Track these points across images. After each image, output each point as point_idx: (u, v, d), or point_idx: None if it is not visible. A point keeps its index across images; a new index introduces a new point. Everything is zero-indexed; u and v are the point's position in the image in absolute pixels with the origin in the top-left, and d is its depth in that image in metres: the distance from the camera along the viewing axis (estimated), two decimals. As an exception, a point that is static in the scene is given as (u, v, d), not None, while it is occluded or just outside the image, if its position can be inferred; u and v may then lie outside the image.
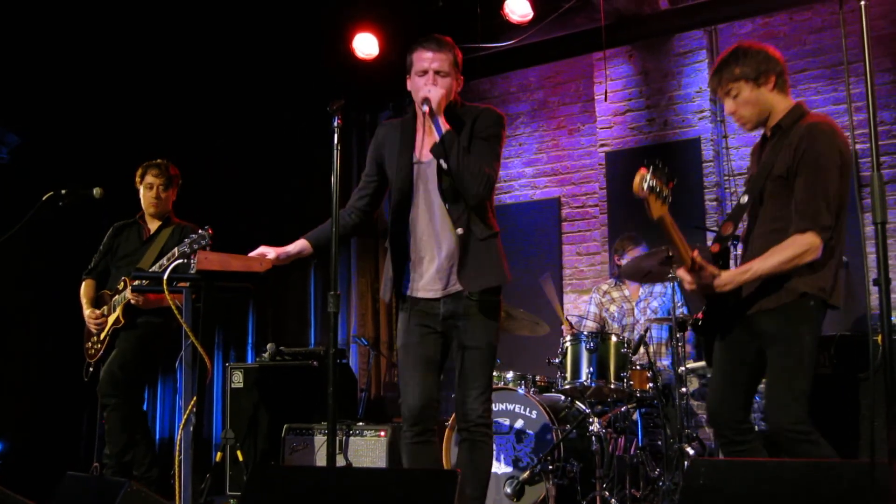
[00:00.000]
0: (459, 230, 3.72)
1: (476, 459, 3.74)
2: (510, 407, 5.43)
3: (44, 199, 5.06)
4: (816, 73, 7.11)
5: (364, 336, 8.41)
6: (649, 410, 5.66)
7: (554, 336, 6.35)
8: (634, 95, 7.87)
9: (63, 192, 5.07)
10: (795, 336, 3.51)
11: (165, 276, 4.03)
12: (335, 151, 3.41)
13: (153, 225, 5.72)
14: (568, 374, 5.41)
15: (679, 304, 5.75)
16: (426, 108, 3.65)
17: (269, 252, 3.91)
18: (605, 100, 7.86)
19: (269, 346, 6.69)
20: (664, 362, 6.20)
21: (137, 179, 5.72)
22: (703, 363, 5.91)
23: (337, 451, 5.38)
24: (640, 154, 7.75)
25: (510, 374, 5.77)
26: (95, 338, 5.58)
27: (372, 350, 8.22)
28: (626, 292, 6.57)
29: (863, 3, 2.73)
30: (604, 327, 6.55)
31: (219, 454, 5.91)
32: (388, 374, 8.53)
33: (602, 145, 7.99)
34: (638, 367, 5.39)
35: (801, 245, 3.42)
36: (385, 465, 5.48)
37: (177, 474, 4.03)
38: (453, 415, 4.71)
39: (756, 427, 3.89)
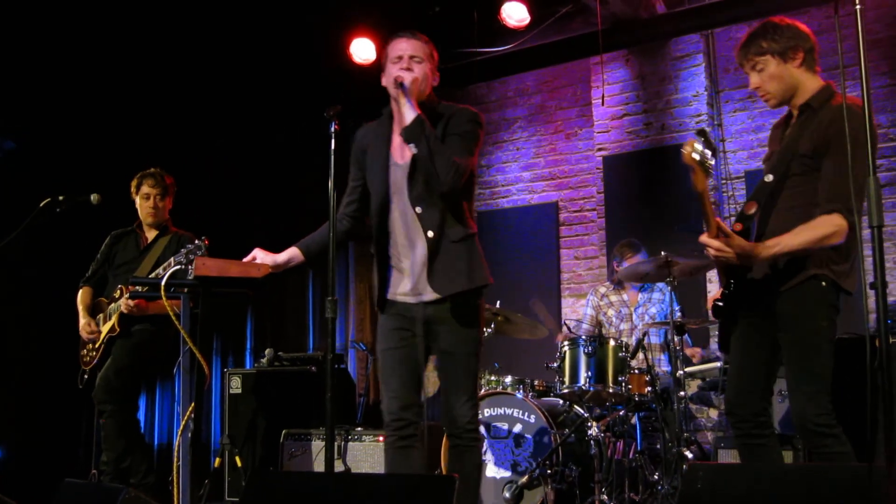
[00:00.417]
0: (430, 233, 3.64)
1: (465, 465, 3.69)
2: (508, 411, 5.42)
3: (41, 205, 5.06)
4: (813, 77, 7.11)
5: (362, 341, 8.41)
6: (648, 414, 5.66)
7: (552, 340, 6.36)
8: (632, 99, 7.88)
9: (60, 198, 5.07)
10: (810, 320, 3.46)
11: (163, 283, 4.03)
12: (332, 157, 3.41)
13: (150, 234, 5.73)
14: (566, 378, 5.41)
15: (677, 309, 5.75)
16: (396, 86, 3.57)
17: (264, 256, 3.90)
18: (603, 104, 7.87)
19: (267, 351, 6.68)
20: (663, 368, 6.20)
21: (133, 189, 5.73)
22: (701, 367, 5.92)
23: (335, 456, 5.37)
24: (637, 158, 7.77)
25: (508, 379, 5.77)
26: (91, 345, 5.58)
27: (370, 355, 8.21)
28: (625, 297, 6.57)
29: (858, 6, 2.73)
30: (600, 330, 6.55)
31: (217, 460, 5.90)
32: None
33: (599, 149, 8.00)
34: (636, 371, 5.39)
35: (830, 226, 3.35)
36: (384, 471, 5.47)
37: (175, 480, 4.02)
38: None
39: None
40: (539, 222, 8.42)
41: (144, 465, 5.48)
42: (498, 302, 5.91)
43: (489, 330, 5.84)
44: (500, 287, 7.95)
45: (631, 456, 5.43)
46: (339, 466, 5.46)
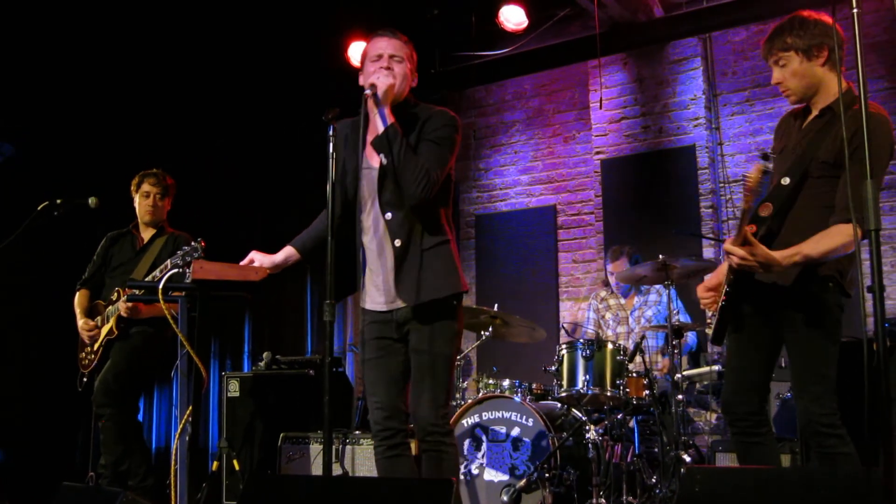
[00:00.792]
0: (397, 242, 3.57)
1: (441, 470, 3.58)
2: (506, 415, 5.42)
3: (39, 208, 5.05)
4: (811, 80, 7.12)
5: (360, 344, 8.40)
6: (646, 418, 5.66)
7: (550, 343, 6.36)
8: (629, 103, 7.89)
9: (58, 201, 5.07)
10: (819, 322, 3.47)
11: (161, 286, 4.03)
12: (330, 160, 3.41)
13: (146, 234, 5.72)
14: (564, 382, 5.41)
15: (675, 312, 5.75)
16: (369, 93, 3.48)
17: (261, 258, 3.90)
18: (601, 107, 7.88)
19: (265, 354, 6.68)
20: (660, 369, 6.20)
21: (133, 188, 5.73)
22: (698, 370, 5.92)
23: (333, 459, 5.36)
24: (635, 161, 7.78)
25: (506, 382, 5.76)
26: (89, 348, 5.57)
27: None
28: (622, 301, 6.58)
29: (855, 10, 2.73)
30: (598, 334, 6.56)
31: (215, 463, 5.89)
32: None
33: (597, 153, 8.01)
34: (634, 375, 5.39)
35: (846, 236, 3.33)
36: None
37: (173, 483, 4.02)
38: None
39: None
40: (537, 226, 8.43)
41: (143, 468, 5.47)
42: (496, 305, 5.91)
43: (486, 333, 5.84)
44: (497, 290, 8.01)
45: (629, 459, 5.42)
46: (336, 470, 5.45)
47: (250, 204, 8.47)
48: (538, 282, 8.27)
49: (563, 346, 5.50)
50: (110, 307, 5.49)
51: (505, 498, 5.19)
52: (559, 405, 5.61)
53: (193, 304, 4.20)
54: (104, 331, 5.49)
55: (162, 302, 4.06)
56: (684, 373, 5.38)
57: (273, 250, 3.93)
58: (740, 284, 3.59)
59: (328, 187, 3.40)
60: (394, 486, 3.16)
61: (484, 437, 5.43)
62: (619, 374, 5.31)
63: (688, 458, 4.98)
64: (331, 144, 3.42)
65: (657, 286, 6.37)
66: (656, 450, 5.40)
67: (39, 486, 6.34)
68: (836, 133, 3.44)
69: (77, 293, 5.70)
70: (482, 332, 5.90)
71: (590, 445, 5.21)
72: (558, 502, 5.12)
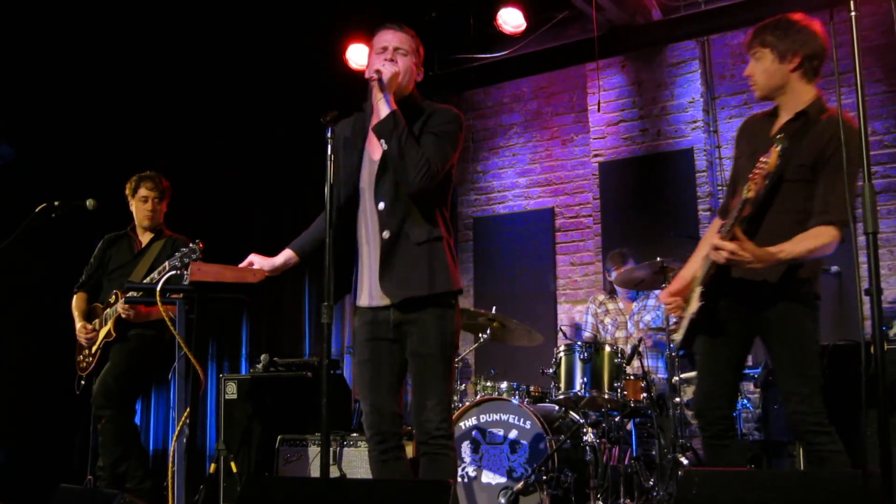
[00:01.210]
0: (385, 233, 3.53)
1: (436, 474, 3.53)
2: (504, 417, 5.42)
3: (37, 210, 5.05)
4: (808, 84, 7.13)
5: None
6: (643, 420, 5.66)
7: (548, 346, 6.36)
8: (627, 106, 7.89)
9: (56, 203, 5.07)
10: (801, 324, 3.55)
11: (158, 288, 4.03)
12: (329, 162, 3.41)
13: (145, 237, 5.72)
14: (562, 385, 5.41)
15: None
16: (375, 76, 3.48)
17: (260, 261, 3.89)
18: (599, 110, 7.88)
19: (262, 356, 6.68)
20: (659, 374, 6.20)
21: (129, 192, 5.71)
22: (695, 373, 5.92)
23: (331, 461, 5.37)
24: (633, 164, 7.78)
25: (504, 385, 5.76)
26: (87, 351, 5.56)
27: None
28: (620, 305, 6.58)
29: (853, 14, 2.74)
30: (596, 337, 6.56)
31: (212, 465, 5.89)
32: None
33: (595, 155, 8.01)
34: (632, 378, 5.39)
35: (827, 237, 3.43)
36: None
37: (170, 486, 4.02)
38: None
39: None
40: (535, 228, 8.43)
41: (140, 470, 5.47)
42: (494, 308, 5.91)
43: (484, 336, 5.84)
44: (495, 293, 8.01)
45: (626, 462, 5.42)
46: (334, 472, 5.45)
47: (249, 206, 8.47)
48: (536, 284, 8.27)
49: (561, 349, 5.50)
50: (108, 310, 5.49)
51: (502, 500, 5.20)
52: (557, 408, 5.61)
53: (191, 307, 4.21)
54: (102, 333, 5.49)
55: (160, 304, 4.06)
56: (682, 375, 5.38)
57: (271, 252, 3.93)
58: (715, 288, 3.64)
59: (326, 189, 3.40)
60: (391, 488, 3.16)
61: (481, 440, 5.43)
62: (617, 376, 5.31)
63: (685, 461, 4.98)
64: (329, 146, 3.42)
65: (656, 291, 6.37)
66: (654, 452, 5.40)
67: (37, 488, 6.33)
68: (813, 137, 3.52)
69: (74, 296, 5.69)
70: (480, 335, 5.90)
71: (587, 448, 5.21)
72: (556, 505, 5.12)
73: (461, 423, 5.47)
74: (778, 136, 3.43)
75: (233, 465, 5.86)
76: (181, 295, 4.23)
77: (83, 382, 5.59)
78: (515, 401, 5.44)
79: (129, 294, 5.09)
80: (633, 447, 5.55)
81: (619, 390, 5.29)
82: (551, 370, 5.51)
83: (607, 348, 5.38)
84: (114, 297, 5.45)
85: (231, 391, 6.44)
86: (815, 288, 3.60)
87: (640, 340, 5.69)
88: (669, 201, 7.52)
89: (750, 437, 5.46)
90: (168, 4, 6.84)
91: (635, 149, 7.80)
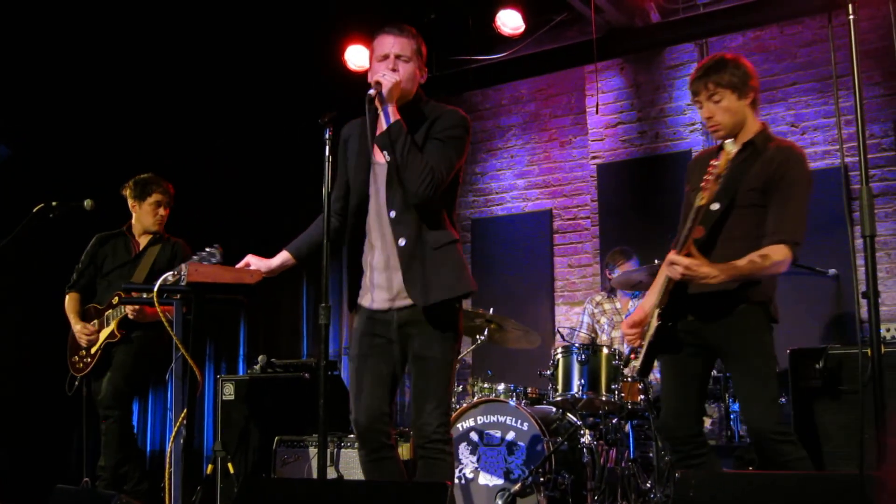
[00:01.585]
0: (401, 241, 3.51)
1: (433, 478, 3.50)
2: (501, 419, 5.42)
3: (34, 211, 5.04)
4: (807, 87, 7.14)
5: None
6: (641, 422, 5.66)
7: (545, 348, 6.36)
8: (626, 108, 7.90)
9: (53, 204, 5.06)
10: (758, 342, 3.63)
11: (156, 289, 4.03)
12: (326, 163, 3.40)
13: (142, 240, 5.69)
14: (559, 386, 5.41)
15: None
16: (373, 92, 3.43)
17: (257, 262, 3.89)
18: (597, 112, 7.88)
19: (260, 358, 6.67)
20: (656, 374, 6.20)
21: (135, 195, 5.64)
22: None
23: (328, 463, 5.36)
24: (631, 166, 7.78)
25: (501, 386, 5.76)
26: (84, 352, 5.54)
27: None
28: (618, 305, 6.58)
29: (851, 17, 2.75)
30: (593, 339, 6.56)
31: (210, 467, 5.89)
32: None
33: (593, 157, 8.01)
34: (629, 380, 5.39)
35: (779, 255, 3.52)
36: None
37: (167, 487, 4.02)
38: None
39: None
40: (533, 230, 8.43)
41: (138, 471, 5.47)
42: (491, 309, 5.91)
43: (482, 337, 5.84)
44: (493, 294, 8.00)
45: (624, 464, 5.42)
46: (331, 473, 5.45)
47: (246, 207, 8.46)
48: (534, 286, 8.27)
49: (559, 351, 5.50)
50: (110, 311, 5.47)
51: (500, 502, 5.19)
52: (554, 409, 5.61)
53: (189, 308, 4.21)
54: (104, 334, 5.47)
55: (157, 305, 4.06)
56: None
57: (269, 253, 3.93)
58: (673, 309, 3.71)
59: (324, 191, 3.40)
60: (389, 490, 3.16)
61: (479, 441, 5.43)
62: (615, 378, 5.31)
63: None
64: (327, 148, 3.42)
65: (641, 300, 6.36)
66: (651, 454, 5.40)
67: (33, 489, 6.32)
68: (762, 164, 3.63)
69: (66, 297, 5.65)
70: (477, 336, 5.89)
71: (584, 450, 5.21)
72: (553, 507, 5.12)
73: (458, 425, 5.47)
74: (727, 143, 3.56)
75: (230, 466, 5.85)
76: (178, 296, 4.23)
77: (77, 383, 5.58)
78: (513, 402, 5.44)
79: (128, 294, 5.09)
80: (631, 449, 5.54)
81: (616, 392, 5.29)
82: (549, 372, 5.51)
83: (605, 350, 5.38)
84: (116, 298, 5.43)
85: (228, 392, 6.43)
86: (770, 311, 3.68)
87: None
88: (667, 204, 7.51)
89: (747, 439, 5.46)
90: (167, 5, 6.84)
91: (633, 151, 7.81)
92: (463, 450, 5.43)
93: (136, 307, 5.28)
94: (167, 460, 4.07)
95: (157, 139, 7.61)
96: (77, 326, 5.53)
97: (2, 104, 6.69)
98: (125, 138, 7.49)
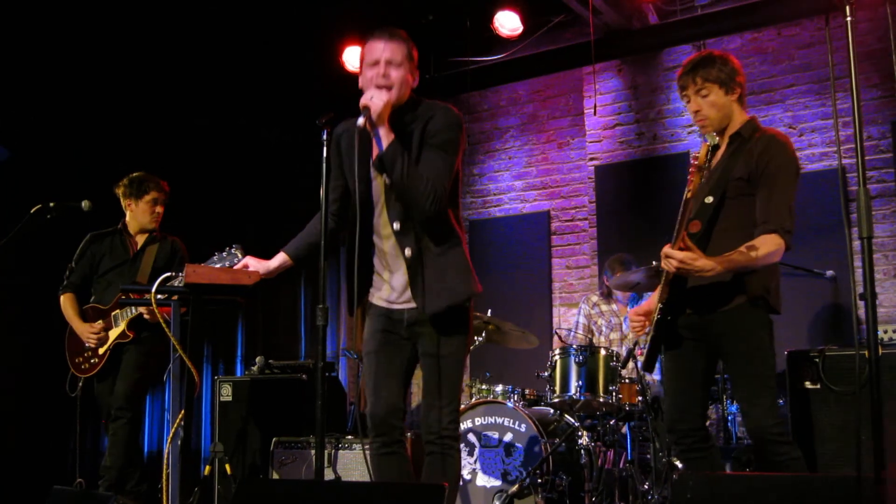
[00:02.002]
0: (407, 251, 3.53)
1: (446, 473, 3.56)
2: (499, 420, 5.42)
3: (32, 211, 5.04)
4: (804, 88, 7.15)
5: (353, 349, 8.39)
6: (638, 424, 5.66)
7: (543, 349, 6.36)
8: (624, 109, 7.90)
9: (51, 204, 5.05)
10: (755, 341, 3.64)
11: (154, 289, 4.03)
12: (324, 164, 3.41)
13: (139, 239, 5.68)
14: (557, 388, 5.41)
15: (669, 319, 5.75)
16: (361, 123, 3.38)
17: (255, 264, 3.89)
18: (595, 114, 7.89)
19: (258, 359, 6.67)
20: (654, 376, 6.20)
21: (130, 193, 5.63)
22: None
23: (326, 464, 5.36)
24: (629, 168, 7.79)
25: (499, 387, 5.77)
26: (90, 353, 5.51)
27: (361, 363, 8.19)
28: (615, 307, 6.58)
29: (849, 19, 2.75)
30: (591, 340, 6.55)
31: (207, 468, 5.88)
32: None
33: (591, 159, 8.01)
34: (627, 381, 5.39)
35: (771, 245, 3.53)
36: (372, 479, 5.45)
37: (164, 488, 4.02)
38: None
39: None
40: (531, 231, 8.44)
41: (138, 472, 5.46)
42: (489, 311, 5.91)
43: (480, 339, 5.84)
44: (491, 296, 7.99)
45: (621, 465, 5.42)
46: (329, 474, 5.45)
47: (244, 208, 8.46)
48: (531, 287, 8.27)
49: (556, 352, 5.50)
50: (118, 311, 5.45)
51: (497, 503, 5.19)
52: (552, 411, 5.61)
53: (187, 308, 4.21)
54: (114, 334, 5.46)
55: (155, 306, 4.06)
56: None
57: (266, 253, 3.93)
58: (674, 304, 3.73)
59: (322, 191, 3.40)
60: (386, 491, 3.16)
61: (476, 443, 5.43)
62: (612, 380, 5.31)
63: (680, 465, 4.97)
64: (325, 148, 3.42)
65: (649, 293, 6.37)
66: (649, 456, 5.40)
67: (31, 490, 6.32)
68: (746, 154, 3.68)
69: (62, 297, 5.61)
70: (475, 338, 5.90)
71: (582, 451, 5.21)
72: (550, 508, 5.12)
73: (456, 426, 5.47)
74: (710, 136, 3.66)
75: (227, 467, 5.85)
76: (176, 296, 4.23)
77: (80, 384, 5.56)
78: (511, 404, 5.44)
79: (125, 295, 5.07)
80: (628, 450, 5.55)
81: (614, 394, 5.29)
82: (546, 373, 5.51)
83: (602, 352, 5.38)
84: (125, 298, 5.40)
85: (226, 393, 6.43)
86: (771, 302, 3.68)
87: (635, 344, 5.69)
88: (665, 205, 7.50)
89: (745, 440, 5.46)
90: (165, 5, 6.83)
91: (631, 152, 7.81)
92: (461, 451, 5.43)
93: (153, 308, 5.26)
94: (165, 461, 4.08)
95: (155, 140, 7.60)
96: (82, 327, 5.49)
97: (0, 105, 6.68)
98: (123, 139, 7.48)
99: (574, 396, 5.31)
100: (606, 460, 5.40)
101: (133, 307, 5.35)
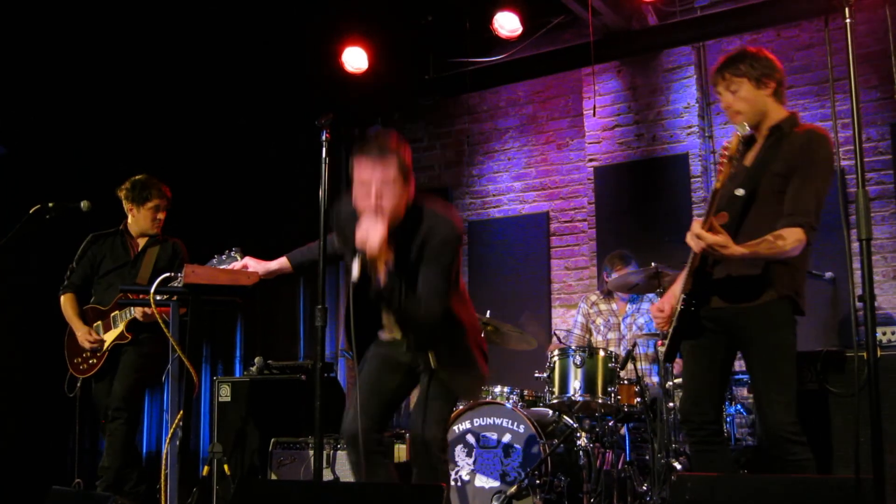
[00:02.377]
0: (431, 360, 3.64)
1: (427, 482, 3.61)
2: (498, 421, 5.42)
3: (31, 212, 5.03)
4: (804, 90, 7.15)
5: (352, 350, 8.38)
6: (637, 425, 5.66)
7: (542, 350, 6.36)
8: (623, 111, 7.90)
9: (50, 205, 5.05)
10: (781, 337, 3.64)
11: (153, 290, 4.03)
12: (323, 165, 3.41)
13: (140, 240, 5.68)
14: (555, 389, 5.41)
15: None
16: (356, 273, 3.39)
17: (255, 265, 3.90)
18: (594, 115, 7.89)
19: (256, 359, 6.67)
20: (652, 377, 6.20)
21: (133, 197, 5.61)
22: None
23: (324, 465, 5.36)
24: (628, 169, 7.78)
25: (498, 389, 5.77)
26: (87, 353, 5.51)
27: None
28: (614, 307, 6.58)
29: (848, 21, 2.76)
30: (590, 340, 6.55)
31: (206, 468, 5.88)
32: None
33: (591, 160, 8.01)
34: (625, 382, 5.39)
35: (792, 238, 3.51)
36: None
37: (163, 488, 4.01)
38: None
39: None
40: (530, 232, 8.43)
41: (136, 472, 5.46)
42: (488, 312, 5.91)
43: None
44: (490, 297, 8.00)
45: (620, 466, 5.42)
46: (327, 475, 5.45)
47: (243, 209, 8.46)
48: (530, 288, 8.27)
49: (555, 353, 5.50)
50: (117, 312, 5.45)
51: (496, 504, 5.19)
52: (550, 412, 5.61)
53: (186, 309, 4.21)
54: (112, 336, 5.45)
55: (154, 307, 4.06)
56: (676, 381, 5.38)
57: (266, 256, 3.94)
58: (698, 295, 3.71)
59: (321, 192, 3.40)
60: (384, 492, 3.16)
61: (475, 444, 5.43)
62: (611, 381, 5.32)
63: (679, 466, 4.98)
64: (324, 149, 3.42)
65: (650, 294, 6.37)
66: (647, 457, 5.40)
67: (30, 490, 6.32)
68: (787, 148, 3.65)
69: (62, 297, 5.61)
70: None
71: (581, 452, 5.21)
72: (549, 509, 5.12)
73: (455, 427, 5.47)
74: (739, 127, 3.59)
75: (226, 467, 5.85)
76: (175, 297, 4.23)
77: (79, 384, 5.56)
78: (509, 405, 5.44)
79: (124, 296, 5.07)
80: (627, 452, 5.55)
81: (612, 395, 5.29)
82: (545, 374, 5.52)
83: (601, 353, 5.38)
84: (125, 298, 5.40)
85: (225, 394, 6.43)
86: (799, 303, 3.68)
87: (633, 345, 5.69)
88: (664, 206, 7.53)
89: (744, 442, 5.46)
90: (164, 6, 6.83)
91: (630, 153, 7.81)
92: (459, 452, 5.43)
93: (149, 309, 5.26)
94: (163, 461, 4.07)
95: (154, 140, 7.60)
96: (81, 329, 5.49)
97: (-1, 105, 6.69)
98: (122, 139, 7.48)
99: (573, 397, 5.31)
100: (605, 461, 5.40)
101: (131, 309, 5.34)
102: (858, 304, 2.65)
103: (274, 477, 5.74)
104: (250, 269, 3.90)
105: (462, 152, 8.94)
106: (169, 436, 4.06)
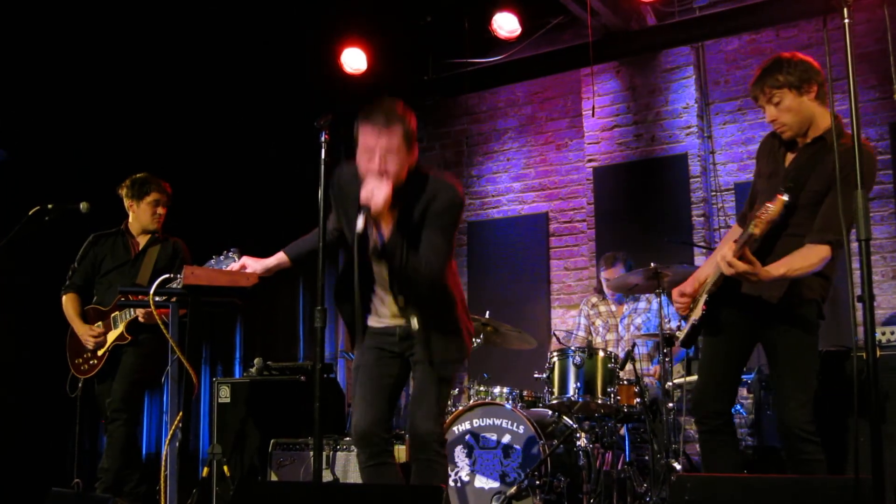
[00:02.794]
0: (414, 322, 3.60)
1: (426, 480, 3.58)
2: (497, 422, 5.42)
3: (30, 213, 5.03)
4: (802, 90, 7.15)
5: (351, 351, 8.38)
6: (636, 425, 5.66)
7: (541, 351, 6.36)
8: (622, 111, 7.91)
9: (49, 206, 5.05)
10: (806, 338, 3.67)
11: (152, 291, 4.03)
12: (322, 166, 3.41)
13: (141, 240, 5.67)
14: (555, 389, 5.41)
15: (667, 320, 5.76)
16: (360, 226, 3.37)
17: (253, 264, 3.90)
18: (593, 115, 7.89)
19: (256, 360, 6.67)
20: (652, 378, 6.20)
21: (132, 194, 5.62)
22: (691, 378, 5.92)
23: (324, 466, 5.36)
24: (627, 169, 7.79)
25: (497, 389, 5.77)
26: (89, 354, 5.51)
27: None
28: (612, 308, 6.58)
29: (846, 21, 2.76)
30: (590, 341, 6.56)
31: (205, 469, 5.87)
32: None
33: (590, 160, 8.01)
34: (625, 383, 5.39)
35: (819, 255, 3.52)
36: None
37: (162, 489, 4.01)
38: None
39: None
40: (529, 233, 8.43)
41: (137, 474, 5.45)
42: (487, 312, 5.91)
43: (478, 340, 5.84)
44: (489, 297, 8.01)
45: (619, 467, 5.43)
46: (327, 476, 5.45)
47: (242, 209, 8.45)
48: (530, 289, 8.27)
49: (555, 354, 5.50)
50: (117, 312, 5.45)
51: (495, 505, 5.19)
52: (550, 412, 5.61)
53: (186, 310, 4.21)
54: (112, 336, 5.45)
55: (153, 308, 4.06)
56: (675, 381, 5.39)
57: (265, 255, 3.93)
58: (724, 294, 3.72)
59: (320, 192, 3.40)
60: (384, 493, 3.16)
61: (475, 444, 5.43)
62: (610, 381, 5.32)
63: (678, 466, 4.98)
64: (323, 150, 3.42)
65: (646, 294, 6.38)
66: (647, 457, 5.40)
67: (29, 490, 6.31)
68: (827, 163, 3.55)
69: (64, 297, 5.61)
70: (473, 339, 5.89)
71: (580, 453, 5.21)
72: (549, 510, 5.12)
73: (454, 428, 5.47)
74: (785, 186, 3.51)
75: (226, 469, 5.84)
76: (174, 298, 4.23)
77: (80, 385, 5.56)
78: (509, 405, 5.44)
79: (124, 297, 5.07)
80: (627, 452, 5.55)
81: (612, 395, 5.29)
82: (545, 375, 5.52)
83: (600, 353, 5.39)
84: (124, 299, 5.39)
85: (224, 395, 6.43)
86: (822, 307, 3.72)
87: (633, 346, 5.69)
88: (663, 207, 7.54)
89: (743, 442, 5.47)
90: (163, 7, 6.83)
91: (629, 154, 7.81)
92: (459, 453, 5.43)
93: (148, 310, 5.25)
94: (163, 462, 4.08)
95: (154, 141, 7.59)
96: (82, 329, 5.49)
97: (-2, 107, 6.68)
98: (122, 141, 7.47)
99: (572, 398, 5.31)
100: (605, 462, 5.40)
101: (131, 309, 5.34)
102: (857, 305, 2.65)
103: (274, 478, 5.74)
104: (249, 269, 3.89)
105: (461, 153, 8.94)
106: (168, 437, 4.06)
